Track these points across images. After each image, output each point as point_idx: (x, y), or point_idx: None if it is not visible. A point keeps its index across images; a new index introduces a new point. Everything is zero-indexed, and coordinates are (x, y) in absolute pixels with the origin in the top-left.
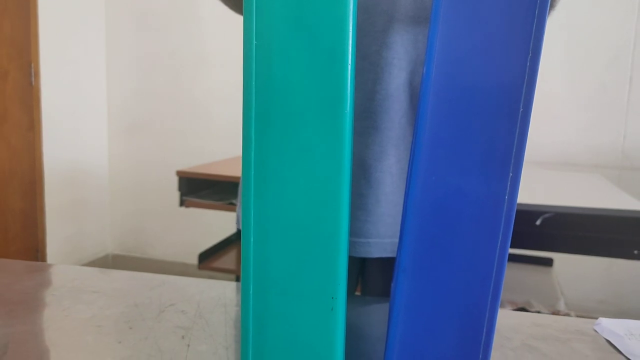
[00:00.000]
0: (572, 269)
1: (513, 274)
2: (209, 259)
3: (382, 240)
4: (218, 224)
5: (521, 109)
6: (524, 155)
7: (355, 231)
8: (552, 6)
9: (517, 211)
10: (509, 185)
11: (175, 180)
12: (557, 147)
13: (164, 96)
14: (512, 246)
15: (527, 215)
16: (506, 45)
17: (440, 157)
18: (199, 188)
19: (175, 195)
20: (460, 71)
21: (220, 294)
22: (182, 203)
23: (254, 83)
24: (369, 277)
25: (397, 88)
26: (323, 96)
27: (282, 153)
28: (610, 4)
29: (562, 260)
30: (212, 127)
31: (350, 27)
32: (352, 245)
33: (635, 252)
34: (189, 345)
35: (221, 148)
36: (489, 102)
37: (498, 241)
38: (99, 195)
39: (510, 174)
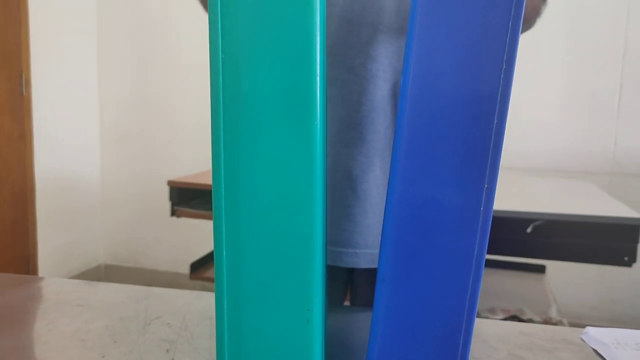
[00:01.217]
0: (564, 276)
1: (505, 281)
2: (201, 269)
3: (370, 250)
4: (210, 233)
5: (496, 121)
6: (498, 166)
7: (343, 242)
8: (537, 13)
9: (508, 219)
10: (484, 196)
11: (166, 190)
12: (548, 154)
13: (156, 105)
14: (503, 253)
15: (518, 222)
16: (480, 57)
17: (416, 168)
18: (190, 197)
19: (167, 204)
20: (435, 83)
21: (207, 305)
22: (173, 213)
23: (221, 96)
24: (357, 287)
25: (382, 99)
26: (292, 108)
27: (252, 166)
28: (600, 12)
29: (555, 267)
30: (203, 136)
31: (318, 38)
32: (339, 255)
33: (626, 258)
34: (173, 359)
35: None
36: (464, 113)
37: (474, 251)
38: (91, 205)
39: (486, 185)
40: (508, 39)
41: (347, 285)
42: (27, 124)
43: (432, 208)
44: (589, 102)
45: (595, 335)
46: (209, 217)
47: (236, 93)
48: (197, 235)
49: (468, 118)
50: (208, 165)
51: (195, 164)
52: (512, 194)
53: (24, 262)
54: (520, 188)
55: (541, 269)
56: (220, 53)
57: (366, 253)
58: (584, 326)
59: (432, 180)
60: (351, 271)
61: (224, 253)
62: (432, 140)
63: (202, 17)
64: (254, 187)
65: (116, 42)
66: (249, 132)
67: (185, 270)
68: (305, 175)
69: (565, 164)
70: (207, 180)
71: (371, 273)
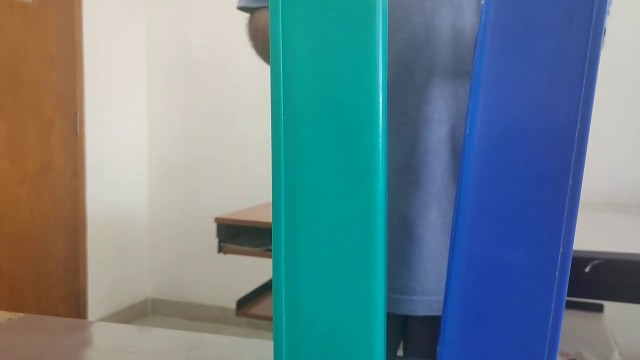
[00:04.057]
0: (623, 315)
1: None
2: (247, 305)
3: (427, 297)
4: (256, 268)
5: (570, 181)
6: (574, 229)
7: (399, 288)
8: None
9: None
10: (559, 261)
11: (213, 225)
12: (603, 188)
13: (202, 143)
14: None
15: (576, 262)
16: (552, 119)
17: (484, 228)
18: (237, 234)
19: (214, 239)
20: (503, 140)
21: (260, 355)
22: (220, 249)
23: (282, 158)
24: (412, 335)
25: (438, 142)
26: (354, 170)
27: (312, 226)
28: None
29: (613, 306)
30: (251, 172)
31: (380, 100)
32: (395, 302)
33: None
34: None
35: (260, 193)
36: (536, 172)
37: (549, 320)
38: (139, 240)
39: (561, 249)
40: (583, 96)
41: (402, 333)
42: (80, 162)
43: (501, 271)
44: None
45: None
46: (255, 254)
47: (297, 154)
48: (243, 271)
49: (541, 177)
50: (255, 202)
51: (243, 200)
52: None
53: (74, 298)
54: (577, 224)
55: (599, 308)
56: (282, 115)
57: (423, 300)
58: None
59: (501, 242)
60: (406, 318)
61: (284, 319)
62: (500, 199)
63: (250, 58)
64: (313, 248)
65: (165, 83)
66: (309, 192)
67: (232, 305)
68: (366, 237)
69: (622, 197)
70: (254, 217)
71: (427, 320)
